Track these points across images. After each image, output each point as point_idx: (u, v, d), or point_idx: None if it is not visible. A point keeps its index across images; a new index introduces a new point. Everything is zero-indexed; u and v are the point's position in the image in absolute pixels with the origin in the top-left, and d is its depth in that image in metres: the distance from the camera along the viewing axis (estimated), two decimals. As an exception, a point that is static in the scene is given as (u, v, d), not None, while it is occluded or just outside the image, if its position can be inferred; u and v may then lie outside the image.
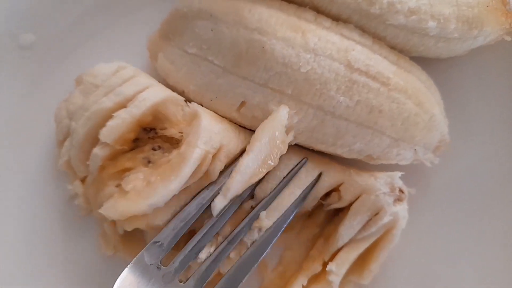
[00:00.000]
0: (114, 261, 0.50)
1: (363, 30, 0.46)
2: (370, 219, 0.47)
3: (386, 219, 0.46)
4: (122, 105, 0.45)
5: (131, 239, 0.48)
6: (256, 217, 0.46)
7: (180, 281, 0.43)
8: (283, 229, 0.46)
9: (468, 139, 0.54)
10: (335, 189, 0.48)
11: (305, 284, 0.48)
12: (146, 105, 0.44)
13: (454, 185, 0.53)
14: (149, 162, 0.46)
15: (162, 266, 0.43)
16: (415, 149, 0.47)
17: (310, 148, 0.48)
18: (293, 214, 0.47)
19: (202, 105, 0.49)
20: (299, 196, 0.47)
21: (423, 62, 0.49)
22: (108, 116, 0.44)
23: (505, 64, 0.54)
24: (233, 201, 0.45)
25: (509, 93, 0.54)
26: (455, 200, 0.53)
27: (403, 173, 0.47)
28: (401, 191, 0.47)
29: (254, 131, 0.48)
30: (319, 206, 0.50)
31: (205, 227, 0.45)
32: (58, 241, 0.52)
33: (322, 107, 0.44)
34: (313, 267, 0.48)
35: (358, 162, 0.49)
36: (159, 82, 0.49)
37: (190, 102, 0.47)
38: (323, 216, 0.51)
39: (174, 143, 0.47)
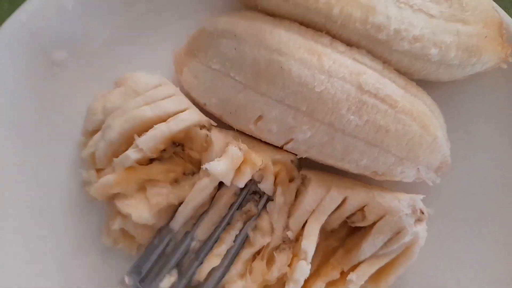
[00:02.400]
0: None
1: (370, 53, 0.50)
2: (391, 238, 0.50)
3: (407, 238, 0.49)
4: (161, 118, 0.49)
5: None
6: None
7: None
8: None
9: (469, 160, 0.57)
10: (359, 209, 0.51)
11: (323, 287, 0.51)
12: (185, 124, 0.49)
13: (458, 202, 0.57)
14: (175, 182, 0.51)
15: (139, 286, 0.49)
16: (418, 168, 0.50)
17: (320, 162, 0.52)
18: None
19: (222, 118, 0.53)
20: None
21: (429, 87, 0.52)
22: (145, 124, 0.49)
23: (503, 90, 0.57)
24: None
25: (507, 118, 0.57)
26: (458, 216, 0.57)
27: (424, 196, 0.50)
28: (421, 212, 0.50)
29: (268, 143, 0.52)
30: (342, 222, 0.53)
31: (177, 251, 0.50)
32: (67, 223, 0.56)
33: (333, 124, 0.48)
34: (331, 274, 0.51)
35: (380, 182, 0.52)
36: (182, 93, 0.53)
37: (212, 128, 0.52)
38: (345, 231, 0.54)
39: (196, 164, 0.52)
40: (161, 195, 0.50)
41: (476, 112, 0.58)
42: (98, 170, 0.52)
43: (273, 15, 0.51)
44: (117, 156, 0.49)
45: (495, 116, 0.57)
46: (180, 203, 0.51)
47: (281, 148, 0.52)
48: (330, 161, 0.50)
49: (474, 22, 0.51)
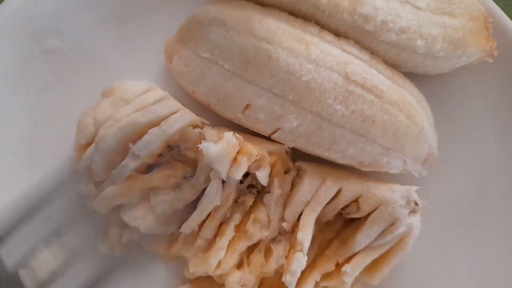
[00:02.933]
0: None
1: (358, 44, 0.50)
2: (386, 229, 0.50)
3: (401, 229, 0.49)
4: (155, 123, 0.49)
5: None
6: None
7: None
8: None
9: (457, 152, 0.58)
10: (354, 200, 0.52)
11: (318, 279, 0.51)
12: (178, 126, 0.49)
13: (448, 195, 0.57)
14: (177, 187, 0.51)
15: None
16: (404, 159, 0.51)
17: (307, 153, 0.52)
18: None
19: (210, 106, 0.53)
20: None
21: (416, 80, 0.53)
22: (139, 131, 0.49)
23: (489, 83, 0.58)
24: None
25: (494, 110, 0.58)
26: (448, 208, 0.57)
27: (418, 187, 0.51)
28: (416, 203, 0.50)
29: (256, 133, 0.52)
30: (337, 213, 0.53)
31: None
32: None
33: (320, 113, 0.48)
34: (327, 265, 0.52)
35: (372, 174, 0.52)
36: (172, 82, 0.54)
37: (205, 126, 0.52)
38: (340, 223, 0.55)
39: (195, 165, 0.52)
40: (166, 202, 0.50)
41: (463, 104, 0.58)
42: (97, 183, 0.51)
43: (262, 4, 0.51)
44: (114, 167, 0.49)
45: (482, 109, 0.58)
46: (185, 207, 0.51)
47: (269, 138, 0.52)
48: (317, 151, 0.50)
49: (460, 15, 0.51)
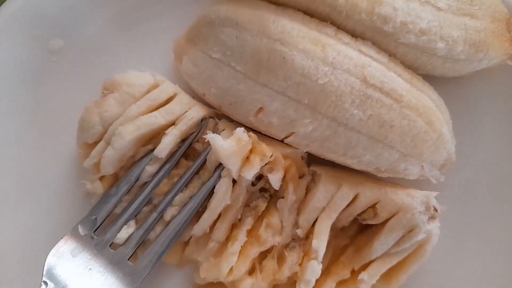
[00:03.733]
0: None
1: (374, 45, 0.48)
2: (404, 235, 0.49)
3: (420, 236, 0.48)
4: (171, 122, 0.49)
5: None
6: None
7: (113, 248, 0.47)
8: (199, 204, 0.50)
9: (474, 157, 0.56)
10: (371, 206, 0.50)
11: (333, 287, 0.50)
12: (193, 122, 0.50)
13: (464, 199, 0.56)
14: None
15: (95, 236, 0.48)
16: (422, 165, 0.49)
17: (322, 157, 0.50)
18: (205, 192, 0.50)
19: (221, 108, 0.51)
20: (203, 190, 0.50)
21: (435, 82, 0.51)
22: (157, 130, 0.49)
23: (509, 87, 0.56)
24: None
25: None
26: (465, 213, 0.56)
27: (438, 192, 0.49)
28: (435, 209, 0.49)
29: (268, 136, 0.51)
30: (352, 219, 0.52)
31: (135, 202, 0.49)
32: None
33: (336, 118, 0.46)
34: (342, 272, 0.50)
35: (390, 178, 0.51)
36: (181, 82, 0.52)
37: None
38: (355, 228, 0.53)
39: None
40: (173, 207, 0.50)
41: (482, 108, 0.57)
42: (102, 178, 0.51)
43: (276, 3, 0.49)
44: (124, 162, 0.49)
45: (501, 113, 0.56)
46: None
47: (283, 141, 0.50)
48: (332, 156, 0.49)
49: (482, 16, 0.49)
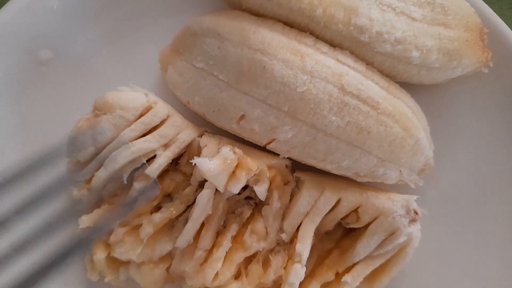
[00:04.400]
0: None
1: (352, 55, 0.50)
2: (386, 238, 0.50)
3: (401, 239, 0.49)
4: (165, 145, 0.51)
5: (115, 261, 0.52)
6: None
7: None
8: None
9: (453, 161, 0.58)
10: (354, 210, 0.51)
11: None
12: (185, 145, 0.51)
13: (444, 204, 0.57)
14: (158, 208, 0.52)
15: None
16: (400, 170, 0.50)
17: (302, 162, 0.52)
18: None
19: (205, 116, 0.53)
20: None
21: (412, 90, 0.53)
22: (150, 153, 0.50)
23: (485, 93, 0.58)
24: None
25: (490, 118, 0.58)
26: (446, 217, 0.57)
27: (418, 196, 0.50)
28: (415, 212, 0.50)
29: (251, 144, 0.52)
30: (337, 223, 0.53)
31: None
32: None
33: (315, 125, 0.48)
34: (326, 275, 0.51)
35: (373, 183, 0.52)
36: (167, 91, 0.54)
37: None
38: (340, 232, 0.54)
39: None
40: (149, 224, 0.50)
41: (459, 113, 0.58)
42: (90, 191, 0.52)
43: (257, 14, 0.51)
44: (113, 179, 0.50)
45: (477, 118, 0.58)
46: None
47: (265, 149, 0.52)
48: (312, 162, 0.50)
49: (455, 26, 0.51)
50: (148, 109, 0.50)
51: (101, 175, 0.49)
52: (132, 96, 0.51)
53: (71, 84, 0.58)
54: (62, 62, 0.58)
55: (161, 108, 0.51)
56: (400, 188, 0.53)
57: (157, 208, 0.51)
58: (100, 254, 0.50)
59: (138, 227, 0.50)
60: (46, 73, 0.57)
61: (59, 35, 0.57)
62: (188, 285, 0.50)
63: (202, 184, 0.50)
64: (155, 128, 0.51)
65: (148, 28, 0.60)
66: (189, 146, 0.52)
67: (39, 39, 0.56)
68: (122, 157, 0.48)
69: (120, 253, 0.49)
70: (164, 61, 0.56)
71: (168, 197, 0.52)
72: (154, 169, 0.49)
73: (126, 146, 0.49)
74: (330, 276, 0.51)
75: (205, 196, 0.48)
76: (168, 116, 0.51)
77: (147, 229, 0.49)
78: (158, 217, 0.49)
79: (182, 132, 0.51)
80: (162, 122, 0.51)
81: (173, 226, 0.51)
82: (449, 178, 0.58)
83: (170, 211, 0.50)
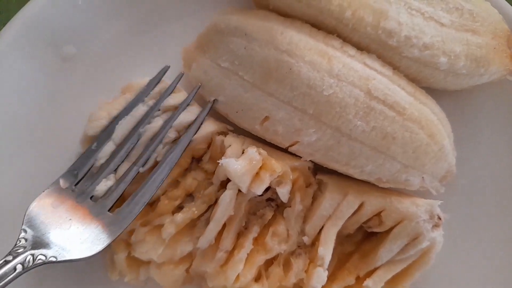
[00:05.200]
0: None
1: (379, 58, 0.49)
2: (408, 243, 0.50)
3: (424, 244, 0.49)
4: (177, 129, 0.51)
5: (135, 261, 0.52)
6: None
7: (93, 200, 0.47)
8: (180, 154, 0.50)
9: (475, 168, 0.58)
10: (376, 214, 0.51)
11: None
12: (202, 134, 0.51)
13: (465, 211, 0.57)
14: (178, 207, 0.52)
15: (76, 189, 0.48)
16: (423, 177, 0.50)
17: (325, 166, 0.51)
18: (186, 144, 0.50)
19: (228, 116, 0.53)
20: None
21: (437, 95, 0.52)
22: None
23: (509, 100, 0.57)
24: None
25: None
26: (467, 223, 0.57)
27: (442, 201, 0.50)
28: (439, 218, 0.50)
29: (273, 144, 0.52)
30: (358, 226, 0.53)
31: (119, 154, 0.49)
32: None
33: (340, 128, 0.47)
34: (347, 279, 0.52)
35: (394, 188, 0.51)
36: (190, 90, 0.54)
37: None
38: (360, 235, 0.54)
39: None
40: (171, 224, 0.50)
41: (483, 121, 0.58)
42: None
43: (285, 15, 0.51)
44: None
45: (500, 125, 0.58)
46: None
47: (287, 151, 0.51)
48: (335, 165, 0.50)
49: (483, 33, 0.51)
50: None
51: (107, 148, 0.50)
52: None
53: (94, 80, 0.58)
54: (85, 58, 0.58)
55: (180, 95, 0.52)
56: (419, 192, 0.53)
57: (179, 208, 0.51)
58: (121, 254, 0.50)
59: (159, 227, 0.50)
60: (69, 69, 0.57)
61: (83, 30, 0.57)
62: (209, 286, 0.50)
63: (224, 183, 0.50)
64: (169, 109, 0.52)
65: (172, 24, 0.60)
66: (211, 144, 0.52)
67: (63, 34, 0.56)
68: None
69: (141, 252, 0.49)
70: (187, 59, 0.56)
71: (190, 196, 0.52)
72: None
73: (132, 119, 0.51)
74: (351, 280, 0.51)
75: (227, 196, 0.48)
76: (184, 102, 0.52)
77: (169, 229, 0.49)
78: (180, 217, 0.49)
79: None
80: (178, 107, 0.52)
81: (194, 226, 0.51)
82: (469, 185, 0.58)
83: (192, 211, 0.50)
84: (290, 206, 0.51)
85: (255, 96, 0.49)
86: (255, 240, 0.51)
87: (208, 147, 0.53)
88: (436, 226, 0.50)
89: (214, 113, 0.54)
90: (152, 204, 0.52)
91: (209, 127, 0.52)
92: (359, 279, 0.51)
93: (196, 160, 0.53)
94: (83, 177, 0.49)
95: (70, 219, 0.46)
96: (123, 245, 0.51)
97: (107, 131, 0.50)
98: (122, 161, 0.50)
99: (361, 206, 0.50)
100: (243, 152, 0.49)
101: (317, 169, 0.53)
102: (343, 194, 0.50)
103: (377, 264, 0.50)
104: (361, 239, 0.54)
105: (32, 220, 0.45)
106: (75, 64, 0.57)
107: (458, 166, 0.53)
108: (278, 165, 0.48)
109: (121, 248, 0.50)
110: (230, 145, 0.50)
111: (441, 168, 0.51)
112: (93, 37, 0.58)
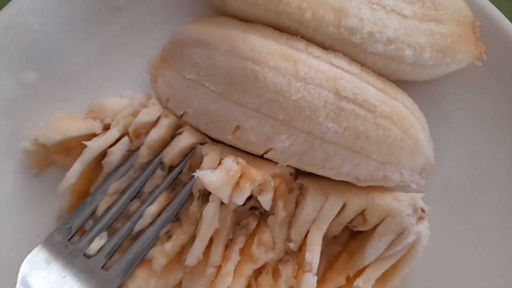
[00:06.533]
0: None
1: (344, 55, 0.49)
2: (394, 239, 0.49)
3: (410, 238, 0.49)
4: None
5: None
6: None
7: (86, 257, 0.48)
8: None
9: (453, 157, 0.57)
10: (360, 213, 0.50)
11: None
12: (185, 147, 0.51)
13: (445, 200, 0.57)
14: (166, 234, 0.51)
15: (70, 245, 0.48)
16: (401, 172, 0.49)
17: (302, 169, 0.51)
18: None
19: (199, 128, 0.51)
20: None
21: (406, 86, 0.51)
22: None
23: (479, 86, 0.57)
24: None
25: (486, 112, 0.57)
26: (447, 213, 0.56)
27: (424, 194, 0.50)
28: (422, 210, 0.49)
29: (248, 152, 0.51)
30: (344, 227, 0.52)
31: (111, 210, 0.50)
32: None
33: (312, 132, 0.47)
34: (337, 280, 0.51)
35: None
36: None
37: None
38: (347, 235, 0.54)
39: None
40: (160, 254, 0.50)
41: (454, 108, 0.57)
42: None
43: (245, 20, 0.50)
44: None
45: (473, 111, 0.57)
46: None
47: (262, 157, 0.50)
48: (311, 169, 0.49)
49: (447, 21, 0.50)
50: (143, 106, 0.53)
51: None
52: (123, 101, 0.53)
53: (60, 104, 0.56)
54: (48, 83, 0.56)
55: (154, 109, 0.52)
56: (402, 187, 0.53)
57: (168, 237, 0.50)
58: None
59: (146, 260, 0.49)
60: (33, 95, 0.55)
61: (42, 55, 0.55)
62: None
63: (205, 195, 0.49)
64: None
65: (136, 40, 0.59)
66: (192, 156, 0.52)
67: (22, 60, 0.54)
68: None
69: None
70: (154, 73, 0.54)
71: (177, 221, 0.51)
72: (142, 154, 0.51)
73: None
74: (341, 280, 0.51)
75: (211, 209, 0.47)
76: (159, 117, 0.52)
77: (160, 261, 0.48)
78: (170, 246, 0.48)
79: (181, 135, 0.51)
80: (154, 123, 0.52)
81: (183, 249, 0.50)
82: (446, 174, 0.57)
83: (180, 239, 0.49)
84: (273, 214, 0.50)
85: (223, 106, 0.48)
86: (241, 250, 0.50)
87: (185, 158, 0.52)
88: (420, 219, 0.49)
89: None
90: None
91: (188, 139, 0.51)
92: (349, 279, 0.50)
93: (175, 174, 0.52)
94: (76, 232, 0.49)
95: (64, 277, 0.46)
96: None
97: (103, 186, 0.50)
98: (116, 219, 0.50)
99: (343, 207, 0.50)
100: (220, 162, 0.48)
101: (297, 172, 0.52)
102: (325, 196, 0.49)
103: (365, 263, 0.50)
104: (348, 239, 0.53)
105: (26, 277, 0.46)
106: (39, 89, 0.55)
107: (436, 157, 0.52)
108: (258, 174, 0.47)
109: None
110: (207, 153, 0.49)
111: (419, 161, 0.50)
112: (54, 61, 0.56)
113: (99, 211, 0.50)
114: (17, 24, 0.53)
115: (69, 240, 0.49)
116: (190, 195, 0.51)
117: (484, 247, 0.55)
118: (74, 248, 0.48)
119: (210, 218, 0.47)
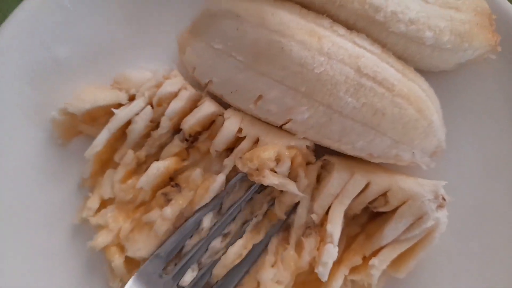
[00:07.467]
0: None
1: (367, 35, 0.51)
2: (413, 223, 0.51)
3: (429, 223, 0.50)
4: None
5: (132, 262, 0.53)
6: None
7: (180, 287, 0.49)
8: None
9: (465, 144, 0.59)
10: (382, 194, 0.52)
11: (346, 274, 0.52)
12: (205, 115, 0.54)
13: (456, 187, 0.56)
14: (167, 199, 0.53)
15: (163, 275, 0.49)
16: (413, 152, 0.51)
17: (318, 143, 0.53)
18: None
19: (222, 97, 0.54)
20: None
21: (425, 75, 0.53)
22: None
23: (495, 78, 0.59)
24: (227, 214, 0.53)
25: (498, 106, 0.59)
26: (457, 202, 0.56)
27: (446, 182, 0.51)
28: (443, 198, 0.51)
29: (267, 123, 0.53)
30: (363, 208, 0.54)
31: (202, 239, 0.52)
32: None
33: (332, 106, 0.49)
34: (354, 259, 0.53)
35: (401, 168, 0.53)
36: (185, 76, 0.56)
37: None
38: (366, 217, 0.55)
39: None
40: (165, 220, 0.52)
41: (470, 98, 0.59)
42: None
43: (274, -4, 0.52)
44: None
45: (486, 104, 0.59)
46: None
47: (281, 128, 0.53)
48: (327, 142, 0.51)
49: (465, 10, 0.52)
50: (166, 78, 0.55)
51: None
52: (146, 74, 0.55)
53: (89, 77, 0.58)
54: (79, 55, 0.58)
55: (177, 81, 0.55)
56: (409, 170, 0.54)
57: (167, 200, 0.53)
58: (117, 260, 0.51)
59: (146, 224, 0.52)
60: (62, 67, 0.57)
61: (74, 31, 0.58)
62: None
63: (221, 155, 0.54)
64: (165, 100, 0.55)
65: (166, 12, 0.61)
66: (213, 124, 0.54)
67: (55, 36, 0.57)
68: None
69: (134, 251, 0.51)
70: (182, 43, 0.57)
71: (176, 186, 0.54)
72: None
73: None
74: (357, 260, 0.52)
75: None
76: (180, 89, 0.54)
77: (162, 227, 0.50)
78: (169, 211, 0.51)
79: (202, 104, 0.54)
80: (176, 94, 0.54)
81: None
82: (459, 162, 0.59)
83: (178, 204, 0.51)
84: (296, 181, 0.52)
85: (248, 76, 0.50)
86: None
87: (204, 128, 0.55)
88: (440, 206, 0.51)
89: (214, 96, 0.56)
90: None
91: (209, 108, 0.53)
92: (366, 259, 0.52)
93: (192, 138, 0.55)
94: (169, 262, 0.51)
95: None
96: (115, 250, 0.52)
97: (195, 219, 0.52)
98: (206, 251, 0.52)
99: (367, 185, 0.51)
100: (240, 129, 0.52)
101: (323, 152, 0.54)
102: (350, 173, 0.51)
103: (383, 243, 0.51)
104: (367, 221, 0.55)
105: None
106: (70, 64, 0.58)
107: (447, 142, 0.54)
108: (270, 152, 0.49)
109: (115, 254, 0.52)
110: (229, 118, 0.52)
111: (431, 143, 0.52)
112: (86, 37, 0.58)
113: (189, 246, 0.52)
114: (51, 1, 0.56)
115: (163, 269, 0.50)
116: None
117: (492, 242, 0.57)
118: (168, 279, 0.49)
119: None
